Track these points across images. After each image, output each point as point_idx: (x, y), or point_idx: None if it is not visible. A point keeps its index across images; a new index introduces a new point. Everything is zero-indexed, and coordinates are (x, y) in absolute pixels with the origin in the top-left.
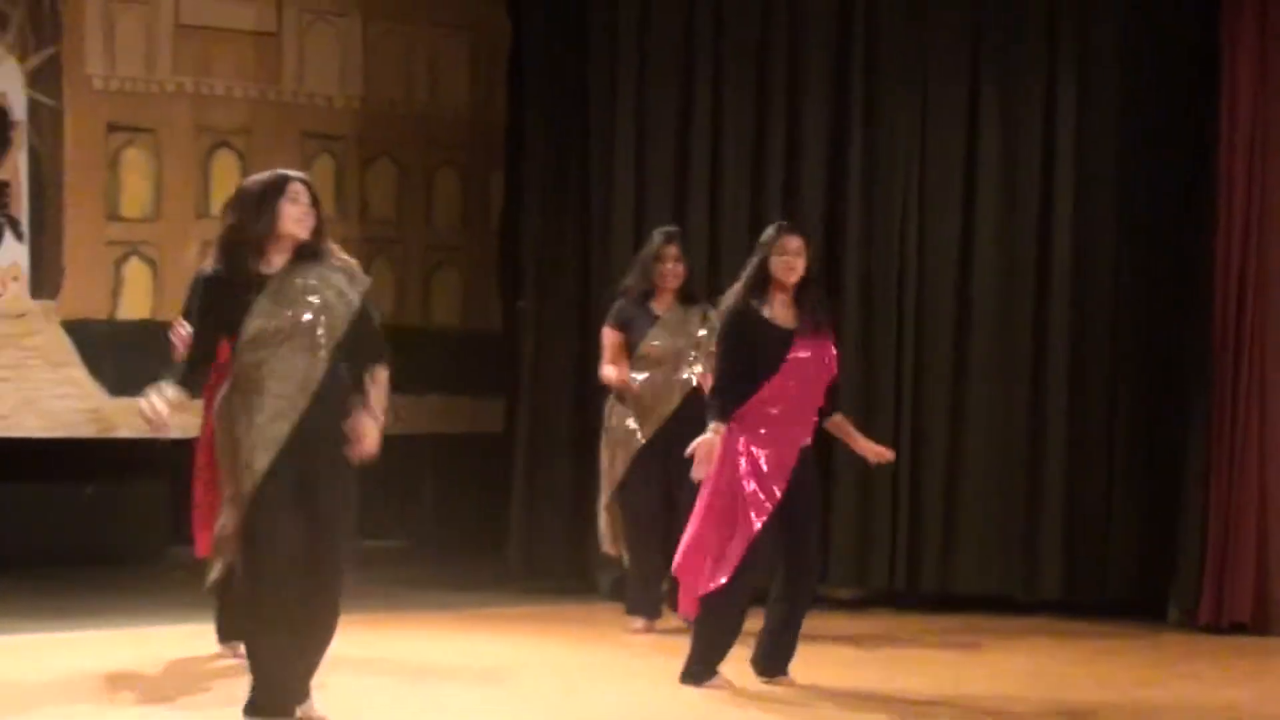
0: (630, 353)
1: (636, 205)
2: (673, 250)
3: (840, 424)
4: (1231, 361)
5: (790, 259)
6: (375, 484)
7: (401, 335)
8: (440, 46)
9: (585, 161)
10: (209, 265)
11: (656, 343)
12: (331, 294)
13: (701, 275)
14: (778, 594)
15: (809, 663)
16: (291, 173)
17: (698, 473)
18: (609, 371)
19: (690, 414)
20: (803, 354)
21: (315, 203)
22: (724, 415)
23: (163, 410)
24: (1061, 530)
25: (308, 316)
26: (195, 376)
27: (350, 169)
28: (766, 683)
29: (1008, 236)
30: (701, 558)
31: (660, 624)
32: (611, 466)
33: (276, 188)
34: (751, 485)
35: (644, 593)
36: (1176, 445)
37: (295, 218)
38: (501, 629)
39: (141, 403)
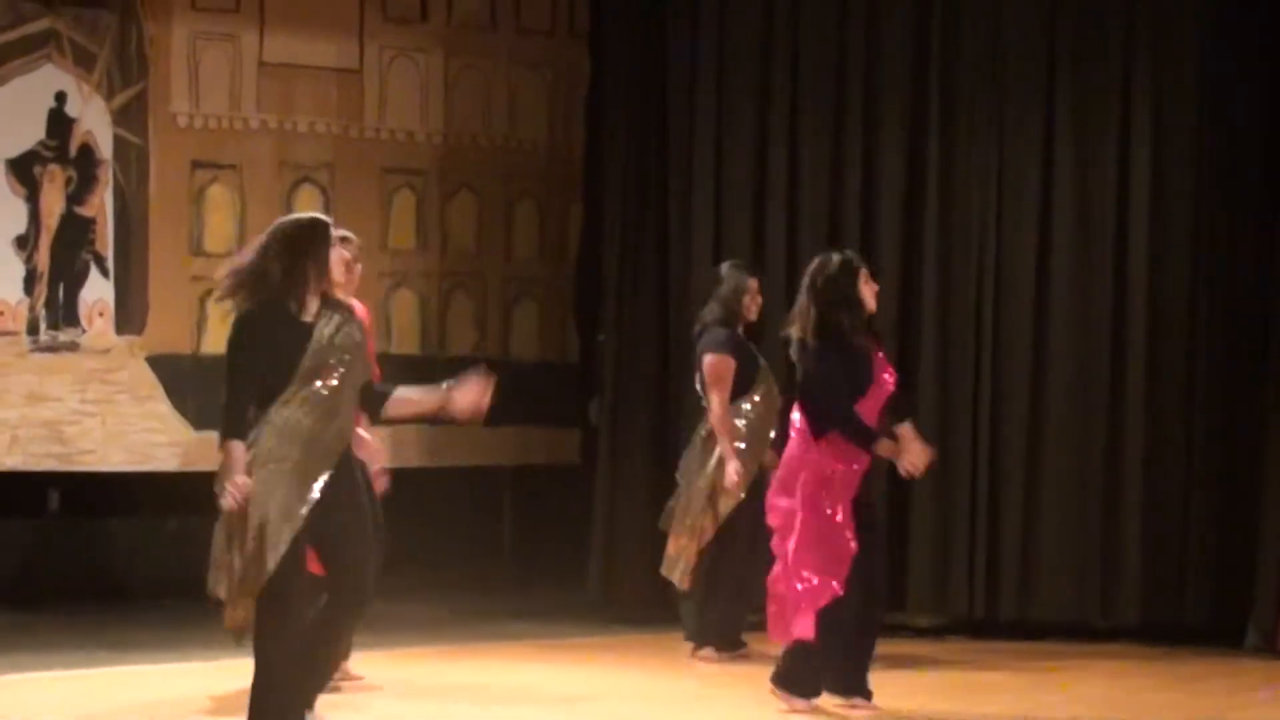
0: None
1: (715, 239)
2: (756, 284)
3: None
4: None
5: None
6: (454, 514)
7: None
8: (519, 82)
9: (664, 195)
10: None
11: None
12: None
13: (781, 301)
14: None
15: (890, 689)
16: (323, 217)
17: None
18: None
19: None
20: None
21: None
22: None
23: (246, 484)
24: (1139, 556)
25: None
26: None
27: (431, 202)
28: (842, 704)
29: (1084, 255)
30: (807, 576)
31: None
32: (713, 505)
33: (323, 233)
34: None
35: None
36: (1254, 472)
37: (337, 262)
38: (581, 659)
39: (224, 499)
